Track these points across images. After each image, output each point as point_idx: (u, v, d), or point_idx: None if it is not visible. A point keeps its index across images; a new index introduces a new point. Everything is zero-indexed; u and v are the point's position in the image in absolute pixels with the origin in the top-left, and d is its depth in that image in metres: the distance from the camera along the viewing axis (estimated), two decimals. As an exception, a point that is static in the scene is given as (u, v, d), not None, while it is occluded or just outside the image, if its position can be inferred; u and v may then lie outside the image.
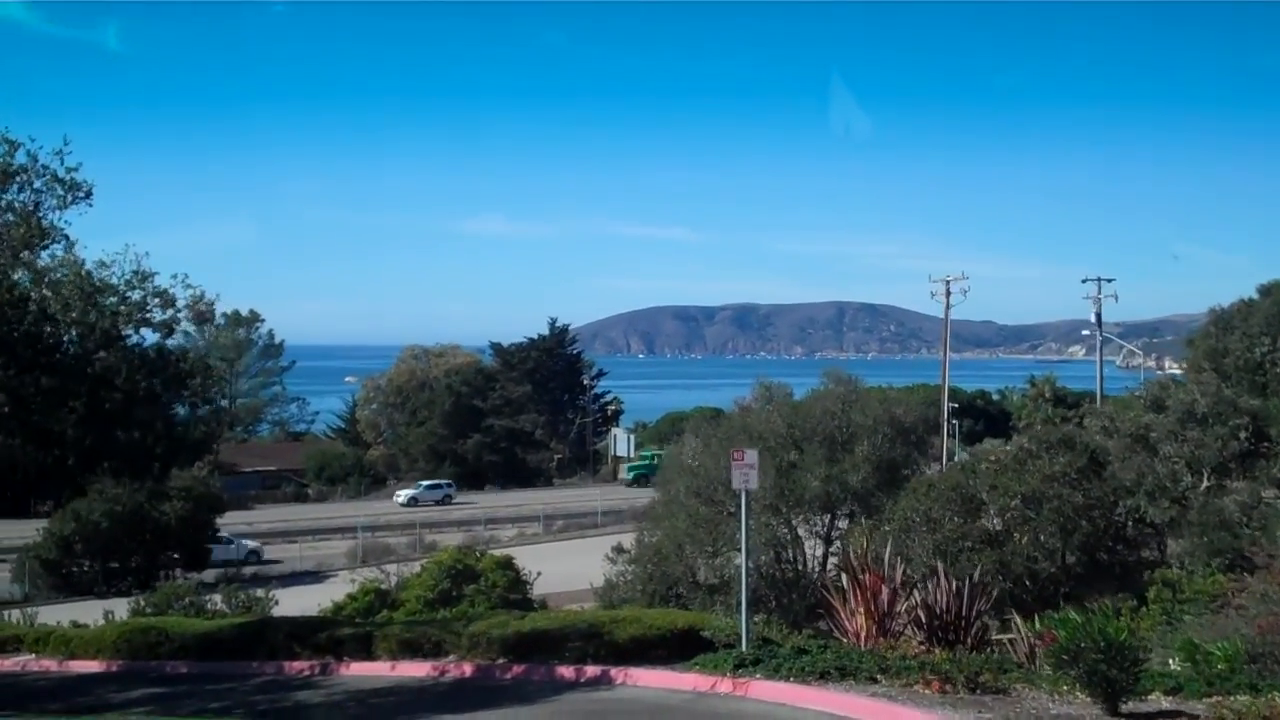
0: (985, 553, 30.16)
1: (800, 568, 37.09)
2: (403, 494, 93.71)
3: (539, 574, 39.54)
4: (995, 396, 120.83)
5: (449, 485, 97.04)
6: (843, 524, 37.65)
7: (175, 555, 57.17)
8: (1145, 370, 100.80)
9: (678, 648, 17.57)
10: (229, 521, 78.65)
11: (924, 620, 18.43)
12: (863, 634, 18.15)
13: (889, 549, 22.23)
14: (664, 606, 33.62)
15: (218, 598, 34.42)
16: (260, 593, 35.36)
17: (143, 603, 33.48)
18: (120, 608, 34.81)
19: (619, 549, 39.72)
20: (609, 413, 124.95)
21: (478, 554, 38.47)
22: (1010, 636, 19.22)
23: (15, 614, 34.22)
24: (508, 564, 37.76)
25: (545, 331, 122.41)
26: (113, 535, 54.15)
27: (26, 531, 57.26)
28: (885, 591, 18.47)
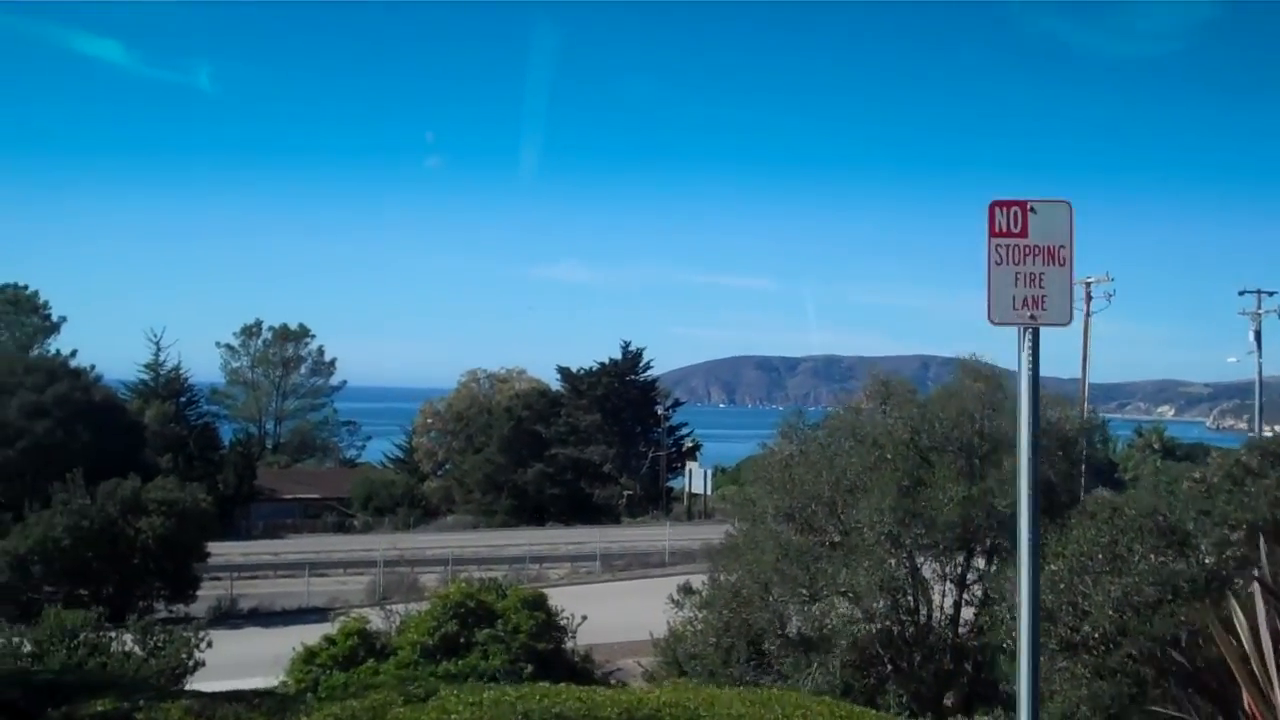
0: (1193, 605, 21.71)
1: (925, 619, 28.26)
2: None
3: (583, 618, 30.70)
4: (1097, 446, 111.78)
5: None
6: (979, 563, 28.89)
7: (159, 584, 48.59)
8: (1237, 432, 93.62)
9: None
10: (256, 550, 71.35)
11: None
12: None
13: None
14: (745, 664, 27.10)
15: (129, 637, 25.69)
16: (188, 632, 26.50)
17: (18, 640, 24.71)
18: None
19: (686, 589, 31.07)
20: (684, 448, 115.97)
21: (500, 589, 29.39)
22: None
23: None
24: (538, 603, 28.76)
25: (617, 356, 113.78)
26: (78, 555, 45.71)
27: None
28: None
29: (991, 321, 8.99)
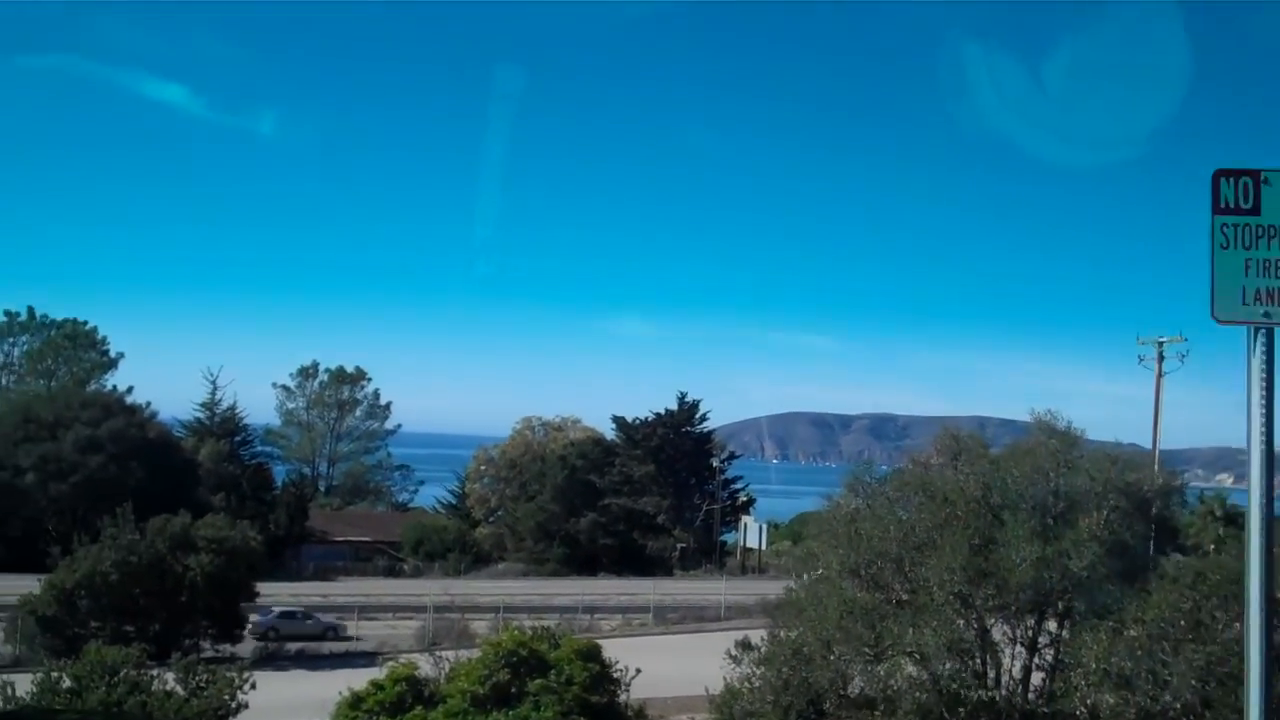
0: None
1: (994, 684, 27.13)
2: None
3: (637, 671, 29.65)
4: (1173, 509, 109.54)
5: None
6: (1050, 626, 27.74)
7: (206, 623, 47.85)
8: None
9: None
10: (305, 591, 70.74)
11: None
12: None
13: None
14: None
15: (170, 676, 24.94)
16: (231, 672, 25.68)
17: (56, 675, 24.01)
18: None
19: (745, 645, 29.99)
20: (738, 501, 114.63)
21: (553, 639, 28.43)
22: None
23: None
24: (592, 654, 27.77)
25: (673, 406, 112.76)
26: (126, 591, 45.06)
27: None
28: None
29: (1216, 319, 7.34)
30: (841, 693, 27.41)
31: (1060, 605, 27.06)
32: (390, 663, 28.76)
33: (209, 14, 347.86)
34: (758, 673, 28.80)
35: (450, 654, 30.70)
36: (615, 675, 28.54)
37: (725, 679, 29.75)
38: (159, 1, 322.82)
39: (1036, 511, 27.14)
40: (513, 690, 25.94)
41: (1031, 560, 25.45)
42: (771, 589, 67.99)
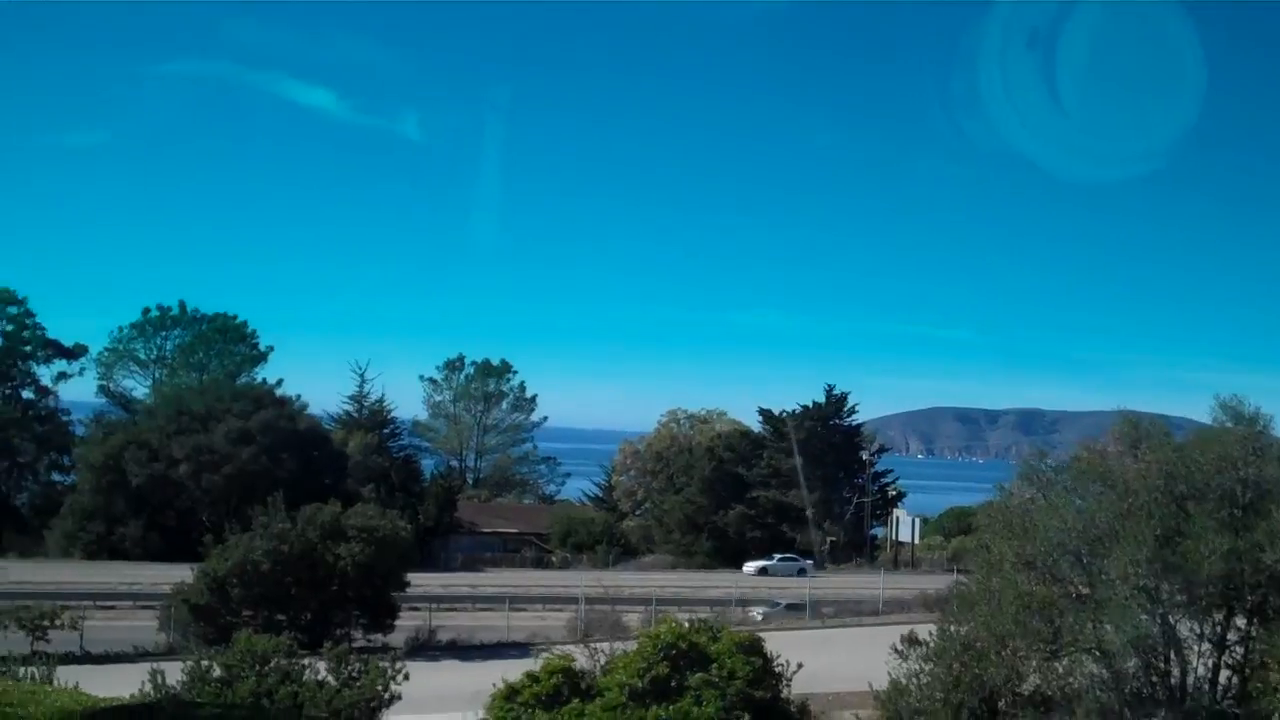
0: None
1: (1179, 683, 25.69)
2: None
3: (799, 666, 28.53)
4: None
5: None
6: (1239, 622, 26.15)
7: (357, 612, 47.55)
8: None
9: None
10: (454, 582, 70.68)
11: None
12: None
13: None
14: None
15: (322, 666, 24.37)
16: (384, 662, 25.05)
17: (207, 663, 23.57)
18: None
19: (911, 640, 28.82)
20: (888, 495, 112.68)
21: (712, 631, 27.44)
22: None
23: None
24: (754, 647, 26.71)
25: (821, 399, 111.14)
26: (277, 580, 44.88)
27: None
28: None
29: None
30: (1016, 690, 26.27)
31: (1251, 600, 25.53)
32: (544, 654, 27.93)
33: (352, 18, 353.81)
34: (926, 669, 27.78)
35: (605, 646, 29.90)
36: (776, 670, 27.52)
37: (890, 675, 28.69)
38: (303, 6, 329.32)
39: (1224, 501, 25.71)
40: (672, 684, 25.01)
41: (1222, 553, 24.10)
42: (928, 583, 66.84)
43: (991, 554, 28.05)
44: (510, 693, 25.39)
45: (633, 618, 53.66)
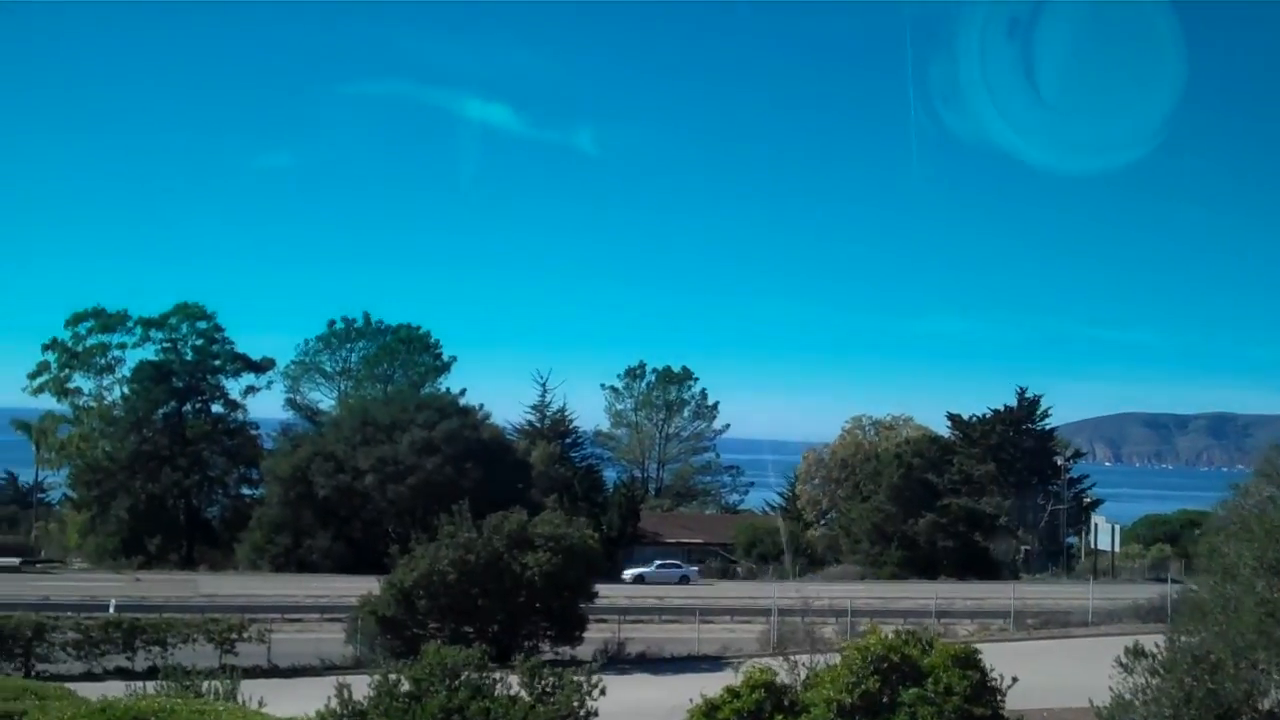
0: None
1: None
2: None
3: (1014, 680, 26.55)
4: None
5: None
6: None
7: (544, 624, 46.46)
8: None
9: None
10: (639, 593, 69.76)
11: None
12: None
13: None
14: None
15: (514, 680, 23.13)
16: (579, 676, 23.68)
17: (395, 677, 22.46)
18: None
19: (1137, 652, 26.62)
20: (1084, 502, 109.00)
21: (923, 643, 25.63)
22: None
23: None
24: (970, 660, 24.83)
25: (1012, 403, 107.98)
26: (463, 590, 43.93)
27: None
28: None
29: None
30: (1257, 707, 24.15)
31: None
32: (743, 668, 26.39)
33: (524, 33, 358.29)
34: (1153, 683, 25.56)
35: (804, 658, 28.31)
36: (995, 684, 25.61)
37: (1112, 689, 26.55)
38: (478, 24, 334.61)
39: None
40: (883, 700, 23.32)
41: None
42: (1136, 593, 63.84)
43: (1226, 558, 25.84)
44: (709, 709, 23.94)
45: (828, 630, 51.94)
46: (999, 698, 25.54)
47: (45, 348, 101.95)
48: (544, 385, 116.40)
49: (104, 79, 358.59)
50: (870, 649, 24.23)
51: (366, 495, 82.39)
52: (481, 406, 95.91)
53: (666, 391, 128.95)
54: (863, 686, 23.29)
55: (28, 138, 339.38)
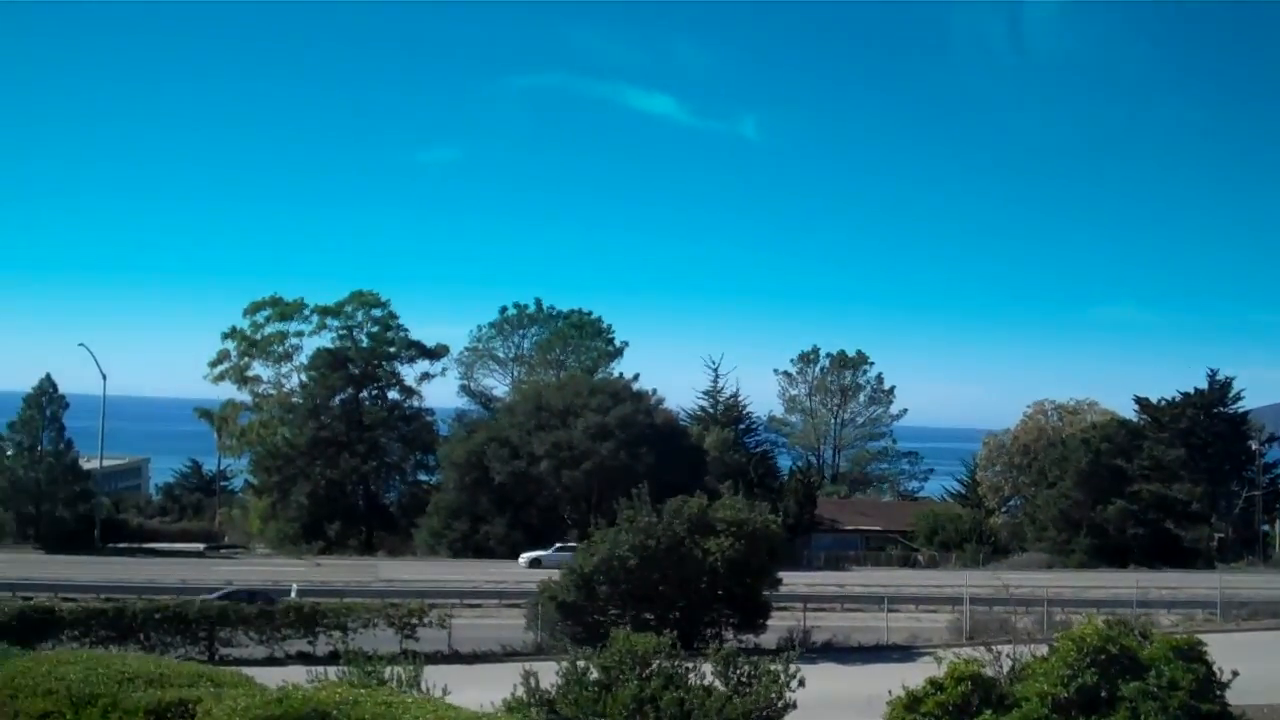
0: None
1: None
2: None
3: (1234, 674, 24.65)
4: None
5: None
6: None
7: (727, 611, 45.18)
8: None
9: None
10: (820, 581, 68.37)
11: None
12: None
13: None
14: None
15: (707, 668, 21.93)
16: (777, 666, 22.38)
17: (584, 665, 21.42)
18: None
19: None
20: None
21: (1138, 634, 23.86)
22: None
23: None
24: (1193, 652, 23.09)
25: (1202, 386, 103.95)
26: (644, 576, 42.87)
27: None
28: None
29: None
30: None
31: None
32: (944, 659, 24.82)
33: (686, 25, 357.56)
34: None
35: (1007, 649, 26.66)
36: (1219, 679, 23.77)
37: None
38: (639, 17, 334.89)
39: None
40: (1101, 694, 21.70)
41: None
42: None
43: None
44: (912, 701, 22.56)
45: (1025, 620, 49.93)
46: (1224, 691, 23.76)
47: (225, 336, 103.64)
48: (716, 371, 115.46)
49: (280, 79, 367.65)
50: (1086, 639, 22.60)
51: (541, 480, 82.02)
52: (654, 391, 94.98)
53: (841, 376, 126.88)
54: (1079, 680, 21.74)
55: (207, 134, 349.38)
